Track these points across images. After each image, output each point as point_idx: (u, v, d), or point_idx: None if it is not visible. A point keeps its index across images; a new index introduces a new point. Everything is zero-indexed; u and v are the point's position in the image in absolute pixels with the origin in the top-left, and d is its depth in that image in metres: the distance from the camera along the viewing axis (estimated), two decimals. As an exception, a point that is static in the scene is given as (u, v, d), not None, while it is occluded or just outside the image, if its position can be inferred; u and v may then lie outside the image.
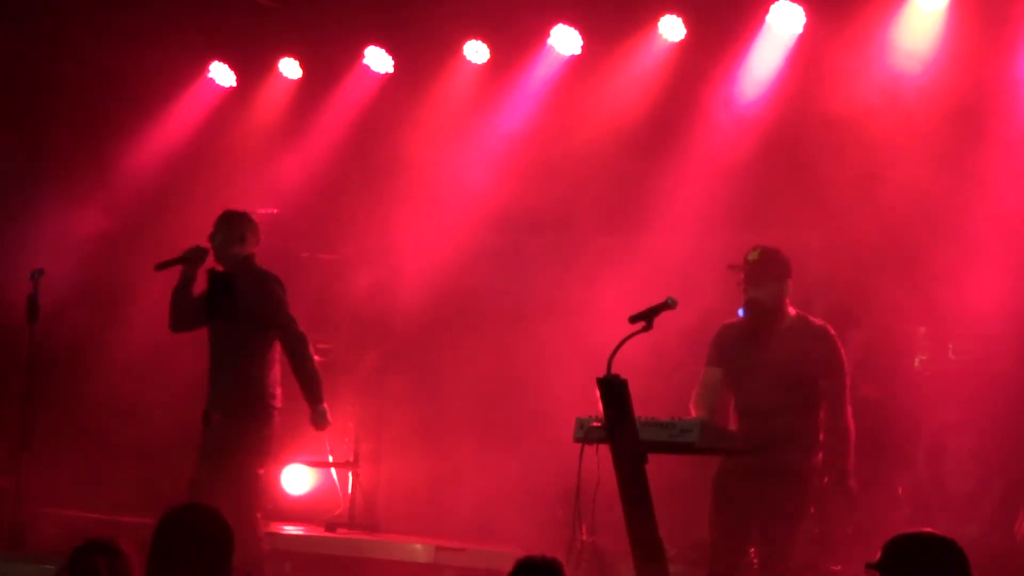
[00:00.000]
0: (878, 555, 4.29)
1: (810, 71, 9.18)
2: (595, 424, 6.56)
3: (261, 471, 8.20)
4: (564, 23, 10.08)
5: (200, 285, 8.13)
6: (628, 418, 6.42)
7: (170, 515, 4.72)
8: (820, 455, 6.95)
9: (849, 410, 6.91)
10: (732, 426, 7.09)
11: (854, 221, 8.81)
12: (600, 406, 6.42)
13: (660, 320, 6.52)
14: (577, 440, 6.68)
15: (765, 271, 6.94)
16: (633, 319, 6.55)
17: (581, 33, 10.08)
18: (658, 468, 6.64)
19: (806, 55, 9.30)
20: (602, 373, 6.32)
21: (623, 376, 6.35)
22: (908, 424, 8.79)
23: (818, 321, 7.05)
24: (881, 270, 8.72)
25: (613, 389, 6.37)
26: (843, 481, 6.84)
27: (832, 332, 7.01)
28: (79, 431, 10.51)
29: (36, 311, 7.87)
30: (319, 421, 8.32)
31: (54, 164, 11.35)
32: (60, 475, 9.82)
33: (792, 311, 7.05)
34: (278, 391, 8.22)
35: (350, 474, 10.53)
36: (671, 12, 9.71)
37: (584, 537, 7.35)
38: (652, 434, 6.53)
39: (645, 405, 6.56)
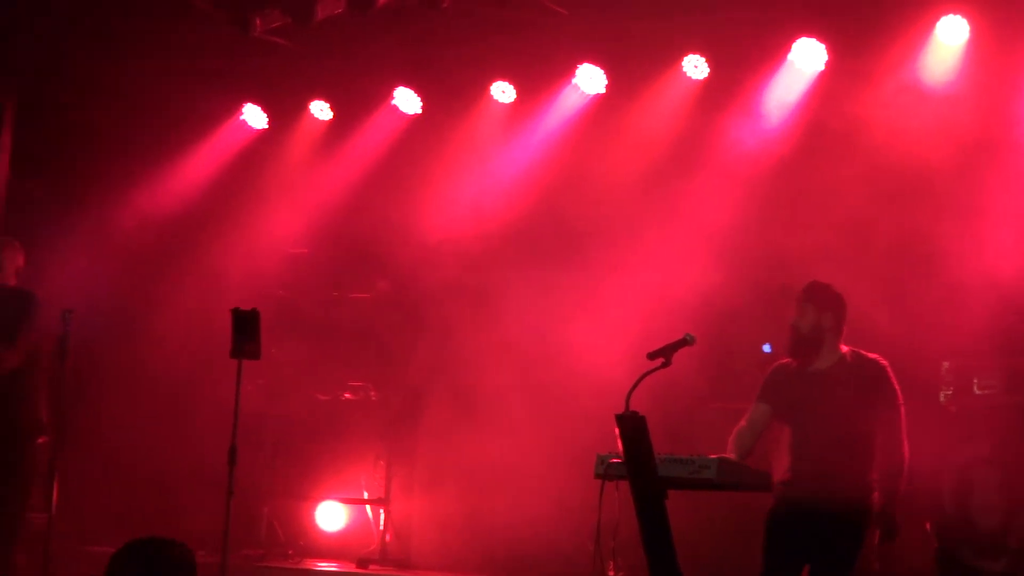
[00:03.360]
0: None
1: (831, 106, 9.22)
2: (614, 460, 6.59)
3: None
4: (589, 62, 10.20)
5: None
6: (647, 454, 6.45)
7: (127, 548, 4.62)
8: (876, 493, 6.90)
9: (905, 443, 6.79)
10: (785, 464, 7.04)
11: (875, 256, 8.81)
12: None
13: (679, 356, 6.57)
14: (597, 476, 6.71)
15: (806, 297, 6.99)
16: (652, 355, 6.59)
17: (606, 72, 10.19)
18: (683, 505, 6.67)
19: (827, 91, 9.35)
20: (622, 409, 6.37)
21: (642, 412, 6.40)
22: (935, 460, 8.75)
23: (871, 355, 6.98)
24: (903, 305, 8.70)
25: (631, 425, 6.40)
26: (888, 512, 6.77)
27: (884, 364, 6.91)
28: (109, 468, 10.65)
29: (67, 351, 8.00)
30: None
31: (90, 207, 11.54)
32: (93, 512, 9.93)
33: (844, 348, 7.02)
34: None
35: (382, 510, 10.60)
36: (695, 51, 9.80)
37: (610, 573, 7.38)
38: (672, 470, 6.54)
39: (666, 441, 6.60)
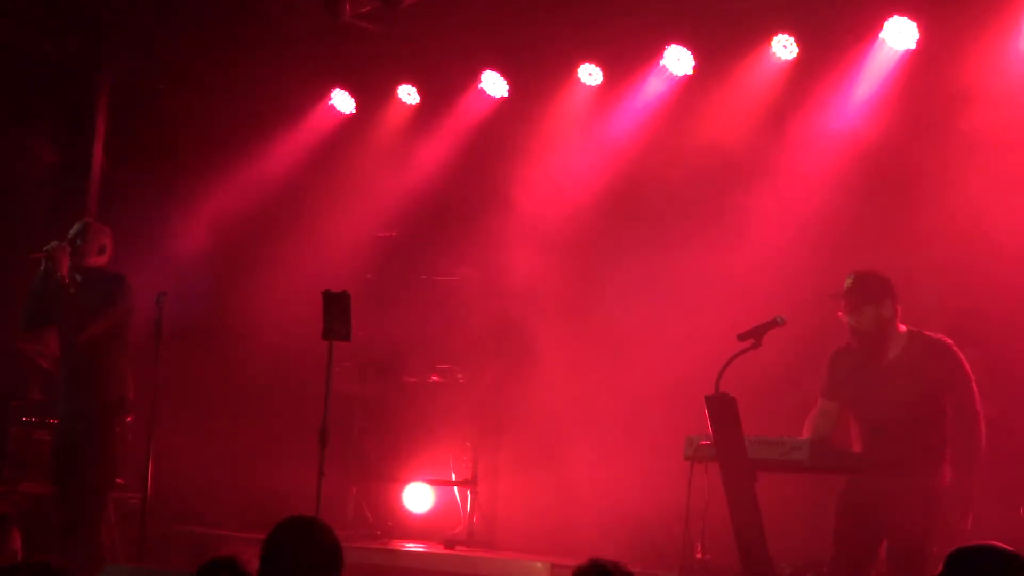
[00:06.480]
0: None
1: (921, 87, 9.07)
2: (704, 443, 6.60)
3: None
4: (677, 44, 10.14)
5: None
6: (737, 436, 6.44)
7: (281, 527, 4.69)
8: (949, 473, 6.84)
9: (981, 423, 6.75)
10: (855, 448, 7.00)
11: (964, 240, 8.65)
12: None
13: (769, 338, 6.55)
14: (687, 458, 6.75)
15: (859, 297, 6.86)
16: (741, 337, 6.59)
17: (694, 53, 10.12)
18: (771, 486, 6.64)
19: (919, 71, 9.19)
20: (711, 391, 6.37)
21: (732, 394, 6.38)
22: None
23: (935, 335, 6.91)
24: (994, 287, 8.53)
25: (721, 407, 6.40)
26: (964, 496, 6.72)
27: (950, 344, 6.86)
28: (203, 449, 10.80)
29: (161, 334, 8.12)
30: None
31: (182, 191, 11.72)
32: (186, 492, 10.08)
33: (903, 328, 6.94)
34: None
35: (469, 492, 10.66)
36: (784, 31, 9.70)
37: (698, 555, 7.37)
38: (761, 452, 6.54)
39: (755, 424, 6.57)
